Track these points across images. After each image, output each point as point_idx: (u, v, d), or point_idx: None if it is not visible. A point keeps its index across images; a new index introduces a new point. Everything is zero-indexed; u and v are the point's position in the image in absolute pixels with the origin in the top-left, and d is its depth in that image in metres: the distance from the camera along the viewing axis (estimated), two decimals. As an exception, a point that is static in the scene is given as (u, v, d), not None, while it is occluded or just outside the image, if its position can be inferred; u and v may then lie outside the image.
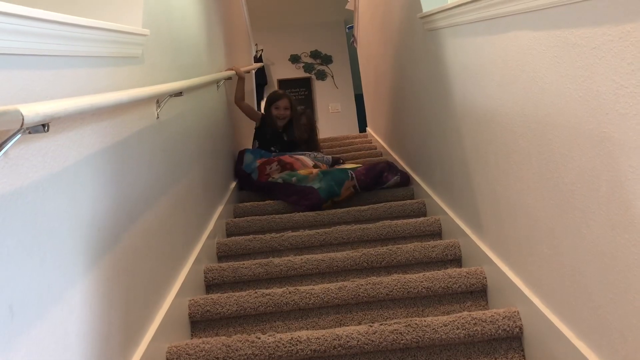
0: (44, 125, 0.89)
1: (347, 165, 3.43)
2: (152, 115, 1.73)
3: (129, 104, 1.47)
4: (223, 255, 2.51)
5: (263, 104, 7.97)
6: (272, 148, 3.67)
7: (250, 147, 3.77)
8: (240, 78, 3.66)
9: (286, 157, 3.44)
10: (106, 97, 1.16)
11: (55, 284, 1.00)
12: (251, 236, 2.55)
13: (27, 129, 0.86)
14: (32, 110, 0.82)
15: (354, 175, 3.07)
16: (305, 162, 3.43)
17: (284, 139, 3.74)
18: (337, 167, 3.44)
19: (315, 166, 3.44)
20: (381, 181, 3.14)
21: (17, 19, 0.92)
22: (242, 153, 3.52)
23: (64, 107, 0.93)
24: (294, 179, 3.14)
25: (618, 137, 1.05)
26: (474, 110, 1.90)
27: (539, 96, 1.37)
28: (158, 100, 1.79)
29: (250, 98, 6.27)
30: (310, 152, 3.67)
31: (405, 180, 3.20)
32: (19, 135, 0.84)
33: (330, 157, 3.75)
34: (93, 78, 1.29)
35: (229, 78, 3.49)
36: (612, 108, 1.06)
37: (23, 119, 0.78)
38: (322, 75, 8.43)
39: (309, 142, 3.84)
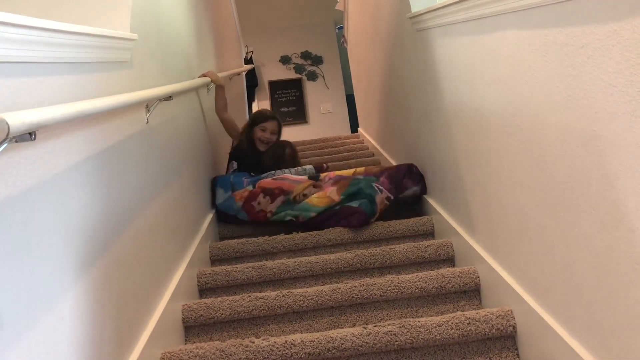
0: (30, 134, 0.88)
1: (344, 172, 2.91)
2: (141, 120, 1.72)
3: (117, 110, 1.46)
4: (216, 259, 2.50)
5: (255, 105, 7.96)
6: (252, 174, 3.06)
7: (226, 167, 3.27)
8: (219, 86, 3.15)
9: (267, 182, 2.84)
10: (94, 103, 1.15)
11: (45, 293, 0.99)
12: (244, 239, 2.54)
13: (14, 137, 0.85)
14: (19, 119, 0.81)
15: (382, 188, 2.63)
16: (293, 178, 2.86)
17: (262, 164, 3.17)
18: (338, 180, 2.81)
19: (310, 177, 2.92)
20: (401, 187, 2.67)
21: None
22: (213, 185, 2.94)
23: (51, 114, 0.92)
24: (312, 214, 2.63)
25: (607, 136, 1.05)
26: (464, 109, 1.90)
27: (528, 95, 1.37)
28: (147, 105, 1.78)
29: (241, 101, 6.26)
30: (297, 169, 3.13)
31: (424, 190, 2.70)
32: (6, 144, 0.83)
33: (311, 166, 3.16)
34: (81, 84, 1.28)
35: (206, 85, 3.03)
36: (602, 107, 1.06)
37: (9, 128, 0.77)
38: (313, 76, 8.43)
39: (292, 161, 3.27)
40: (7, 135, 0.77)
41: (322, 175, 2.91)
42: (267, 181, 2.85)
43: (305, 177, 2.88)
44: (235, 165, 3.20)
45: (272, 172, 3.03)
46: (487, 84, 1.65)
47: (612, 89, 1.02)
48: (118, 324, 1.34)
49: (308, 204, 2.66)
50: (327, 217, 2.59)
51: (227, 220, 2.84)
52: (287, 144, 3.31)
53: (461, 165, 2.02)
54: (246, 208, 2.76)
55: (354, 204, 2.57)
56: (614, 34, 1.00)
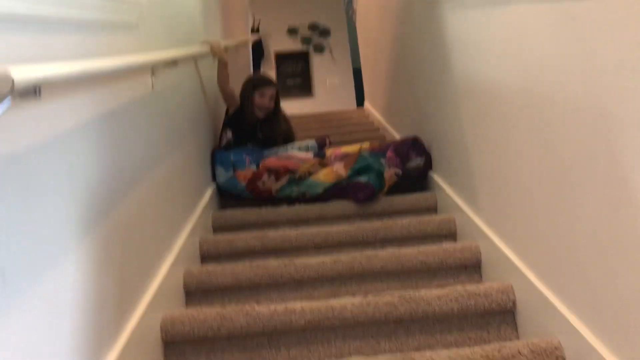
0: (35, 90, 0.87)
1: (349, 149, 2.79)
2: (147, 85, 1.70)
3: (123, 72, 1.44)
4: (218, 227, 2.51)
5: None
6: (250, 145, 2.93)
7: (219, 137, 3.03)
8: (221, 62, 2.95)
9: (271, 161, 2.75)
10: (100, 63, 1.14)
11: (48, 251, 1.00)
12: (247, 209, 2.54)
13: (18, 93, 0.84)
14: (23, 73, 0.80)
15: (390, 163, 2.59)
16: (298, 157, 2.79)
17: (258, 136, 3.00)
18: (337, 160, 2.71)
19: (315, 154, 2.85)
20: (406, 159, 2.63)
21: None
22: (212, 160, 2.81)
23: (55, 71, 0.91)
24: (320, 190, 2.60)
25: (618, 113, 1.04)
26: (474, 84, 1.88)
27: (539, 71, 1.36)
28: (153, 69, 1.77)
29: (247, 72, 6.21)
30: (290, 144, 3.04)
31: (429, 163, 2.63)
32: (9, 99, 0.83)
33: (313, 140, 3.10)
34: (87, 45, 1.26)
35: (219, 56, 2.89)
36: (613, 83, 1.04)
37: (14, 82, 0.77)
38: (320, 49, 8.35)
39: (287, 133, 3.17)
40: (12, 88, 0.76)
41: (328, 153, 2.81)
42: (271, 160, 2.75)
43: (310, 156, 2.81)
44: (229, 134, 2.98)
45: (275, 149, 2.93)
46: (497, 58, 1.62)
47: (624, 64, 1.00)
48: (120, 286, 1.35)
49: (314, 181, 2.61)
50: (334, 193, 2.58)
51: (230, 198, 2.77)
52: (285, 116, 3.20)
53: (468, 141, 2.01)
54: (250, 188, 2.69)
55: (362, 178, 2.54)
56: (629, 8, 0.97)
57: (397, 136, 3.68)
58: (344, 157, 2.71)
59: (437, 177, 2.57)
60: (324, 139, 3.12)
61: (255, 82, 3.02)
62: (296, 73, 8.33)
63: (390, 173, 2.56)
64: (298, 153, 2.86)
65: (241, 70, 5.21)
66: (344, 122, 5.01)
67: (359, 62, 6.25)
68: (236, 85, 3.09)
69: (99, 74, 1.15)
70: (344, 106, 7.52)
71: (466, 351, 1.37)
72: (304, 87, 8.26)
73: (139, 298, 1.49)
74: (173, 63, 1.92)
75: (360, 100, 7.32)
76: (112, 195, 1.34)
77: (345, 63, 8.32)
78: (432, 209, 2.57)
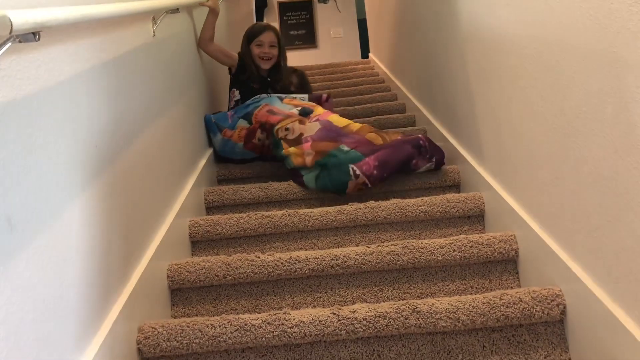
0: (34, 34, 0.86)
1: (347, 124, 2.37)
2: (148, 33, 1.68)
3: (123, 18, 1.42)
4: (223, 179, 2.52)
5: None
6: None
7: (228, 99, 2.80)
8: (212, 11, 2.55)
9: (262, 115, 2.48)
10: (99, 8, 1.12)
11: (53, 199, 1.00)
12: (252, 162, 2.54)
13: (17, 37, 0.83)
14: (22, 17, 0.79)
15: (359, 173, 2.06)
16: (284, 112, 2.48)
17: (270, 92, 2.72)
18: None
19: (301, 112, 2.49)
20: (408, 169, 2.16)
21: None
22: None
23: (55, 15, 0.89)
24: (289, 167, 2.31)
25: (628, 57, 1.02)
26: (480, 32, 1.84)
27: (547, 16, 1.32)
28: (154, 17, 1.73)
29: (249, 24, 6.09)
30: (278, 95, 2.68)
31: (441, 162, 2.23)
32: (9, 43, 0.81)
33: (305, 96, 2.73)
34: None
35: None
36: (624, 26, 1.02)
37: (12, 25, 0.75)
38: (324, -1, 8.15)
39: (301, 85, 2.91)
40: (11, 32, 0.75)
41: (315, 112, 2.48)
42: (262, 114, 2.47)
43: (295, 112, 2.48)
44: (236, 93, 2.74)
45: (258, 98, 2.61)
46: (505, 4, 1.58)
47: (636, 7, 0.98)
48: (126, 234, 1.36)
49: (288, 157, 2.29)
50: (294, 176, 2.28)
51: (237, 164, 2.55)
52: (292, 70, 2.93)
53: (473, 90, 1.98)
54: (250, 147, 2.48)
55: (306, 173, 2.21)
56: (646, -53, 0.94)
57: (402, 87, 3.64)
58: (320, 139, 2.27)
59: (441, 128, 2.56)
60: (320, 96, 2.76)
61: (248, 34, 2.75)
62: (300, 24, 8.16)
63: (355, 184, 2.07)
64: (283, 108, 2.52)
65: (243, 19, 5.11)
66: (348, 74, 4.95)
67: (364, 13, 6.12)
68: (238, 41, 2.92)
69: (98, 19, 1.13)
70: (348, 57, 7.40)
71: (468, 298, 1.39)
72: (308, 38, 8.12)
73: (146, 246, 1.51)
74: (174, 10, 1.88)
75: (365, 51, 7.21)
76: (116, 143, 1.33)
77: (350, 13, 8.14)
78: (437, 161, 2.56)
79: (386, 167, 2.08)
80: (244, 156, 2.53)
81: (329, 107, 2.65)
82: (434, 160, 2.18)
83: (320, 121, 2.36)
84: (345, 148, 2.17)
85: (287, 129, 2.34)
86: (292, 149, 2.28)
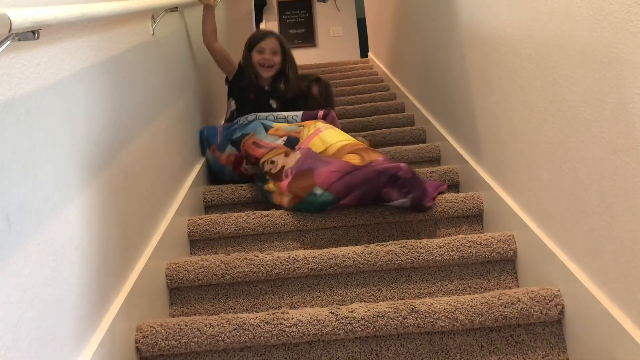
0: (34, 32, 0.86)
1: (326, 147, 2.03)
2: (147, 31, 1.68)
3: (123, 17, 1.42)
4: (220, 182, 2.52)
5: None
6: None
7: (226, 109, 2.58)
8: (207, 7, 2.40)
9: (249, 146, 2.26)
10: (99, 6, 1.12)
11: (52, 197, 1.00)
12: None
13: (17, 35, 0.83)
14: (21, 16, 0.79)
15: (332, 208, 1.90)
16: (270, 146, 2.22)
17: (271, 106, 2.51)
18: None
19: (287, 143, 2.21)
20: (379, 198, 1.86)
21: None
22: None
23: (54, 14, 0.89)
24: (270, 203, 2.08)
25: (627, 58, 1.02)
26: (479, 32, 1.84)
27: (547, 16, 1.32)
28: (153, 15, 1.73)
29: (248, 22, 6.08)
30: (265, 115, 2.39)
31: (419, 201, 1.86)
32: (9, 42, 0.81)
33: (299, 114, 2.38)
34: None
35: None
36: (624, 27, 1.02)
37: (11, 24, 0.75)
38: (323, -2, 8.14)
39: (312, 96, 2.60)
40: (10, 30, 0.75)
41: (300, 142, 2.15)
42: (249, 145, 2.25)
43: (280, 143, 2.21)
44: (233, 104, 2.52)
45: (248, 118, 2.38)
46: (505, 4, 1.58)
47: (637, 7, 0.98)
48: (124, 233, 1.36)
49: (270, 193, 2.08)
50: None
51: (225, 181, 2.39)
52: (315, 78, 2.63)
53: (472, 90, 1.98)
54: (238, 173, 2.34)
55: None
56: (646, -52, 0.94)
57: (401, 87, 3.64)
58: (299, 172, 1.99)
59: (440, 128, 2.56)
60: (315, 115, 2.36)
61: (250, 41, 2.54)
62: (299, 23, 8.16)
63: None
64: (267, 140, 2.24)
65: (242, 19, 5.11)
66: (347, 73, 4.95)
67: (363, 12, 6.12)
68: (239, 40, 2.86)
69: (98, 18, 1.13)
70: (347, 57, 7.40)
71: (466, 298, 1.39)
72: (308, 37, 8.12)
73: (144, 245, 1.51)
74: (174, 9, 1.88)
75: (364, 50, 7.21)
76: (114, 142, 1.33)
77: (350, 13, 8.14)
78: (435, 160, 2.57)
79: (358, 193, 1.84)
80: (233, 178, 2.37)
81: (330, 121, 2.32)
82: (409, 197, 1.83)
83: (302, 149, 2.09)
84: (319, 191, 1.87)
85: (272, 162, 2.13)
86: (273, 186, 2.06)
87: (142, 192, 1.52)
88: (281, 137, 2.24)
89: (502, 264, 1.66)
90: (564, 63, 1.26)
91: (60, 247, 1.02)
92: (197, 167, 2.25)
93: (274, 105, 2.52)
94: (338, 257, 1.63)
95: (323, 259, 1.63)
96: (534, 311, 1.35)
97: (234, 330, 1.34)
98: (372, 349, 1.37)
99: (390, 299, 1.64)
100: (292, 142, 2.19)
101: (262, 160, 2.17)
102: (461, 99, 2.15)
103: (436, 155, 2.56)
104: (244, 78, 2.49)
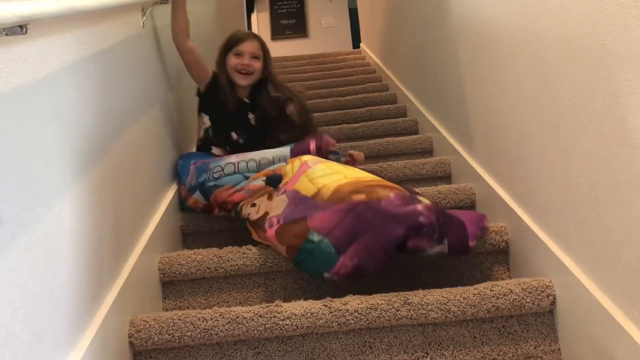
0: (21, 27, 0.85)
1: (318, 189, 1.59)
2: (137, 24, 1.66)
3: (112, 10, 1.40)
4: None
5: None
6: (234, 134, 2.07)
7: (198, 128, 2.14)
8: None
9: (220, 195, 1.85)
10: (87, 0, 1.11)
11: (43, 193, 0.99)
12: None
13: (4, 30, 0.82)
14: (8, 10, 0.78)
15: (336, 278, 1.45)
16: (246, 188, 1.85)
17: (250, 121, 2.10)
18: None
19: (268, 182, 1.83)
20: (404, 251, 1.47)
21: None
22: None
23: (42, 8, 0.88)
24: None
25: (618, 50, 1.02)
26: (471, 24, 1.84)
27: (539, 9, 1.32)
28: (143, 7, 1.72)
29: (239, 13, 6.03)
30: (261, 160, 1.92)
31: (459, 245, 1.51)
32: (-4, 36, 0.80)
33: (287, 149, 1.95)
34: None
35: None
36: (615, 19, 1.02)
37: (-2, 18, 0.74)
38: (315, -12, 8.11)
39: (301, 127, 2.11)
40: (-3, 25, 0.74)
41: (284, 181, 1.75)
42: (223, 196, 1.84)
43: (262, 184, 1.83)
44: (207, 120, 2.09)
45: (225, 161, 1.92)
46: (497, -5, 1.58)
47: (627, 0, 0.98)
48: (117, 227, 1.36)
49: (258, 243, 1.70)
50: None
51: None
52: (293, 93, 2.16)
53: (464, 82, 1.99)
54: (209, 213, 1.93)
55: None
56: (637, -61, 0.94)
57: (394, 78, 3.63)
58: (290, 218, 1.56)
59: (433, 119, 2.56)
60: (308, 144, 1.94)
61: (226, 42, 2.11)
62: (291, 13, 8.13)
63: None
64: (248, 184, 1.85)
65: (233, 10, 5.07)
66: (339, 64, 4.93)
67: (355, 2, 6.09)
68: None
69: (87, 12, 1.11)
70: (339, 47, 7.38)
71: (459, 289, 1.40)
72: (299, 28, 8.08)
73: (137, 239, 1.51)
74: (163, 1, 1.87)
75: (356, 41, 7.18)
76: (106, 137, 1.32)
77: (341, 3, 8.11)
78: (428, 152, 2.57)
79: (370, 264, 1.42)
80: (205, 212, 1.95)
81: (325, 150, 1.95)
82: (445, 242, 1.48)
83: (287, 193, 1.67)
84: (316, 238, 1.47)
85: (253, 205, 1.76)
86: (256, 236, 1.68)
87: (134, 186, 1.52)
88: (263, 176, 1.87)
89: (495, 255, 1.67)
90: (556, 55, 1.26)
91: (53, 243, 1.01)
92: (189, 160, 2.23)
93: (252, 120, 2.11)
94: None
95: (316, 252, 1.62)
96: (526, 302, 1.36)
97: (227, 323, 1.34)
98: (365, 341, 1.38)
99: (384, 291, 1.64)
100: (273, 181, 1.82)
101: (240, 206, 1.80)
102: (453, 90, 2.15)
103: (429, 147, 2.56)
104: (221, 91, 2.07)
